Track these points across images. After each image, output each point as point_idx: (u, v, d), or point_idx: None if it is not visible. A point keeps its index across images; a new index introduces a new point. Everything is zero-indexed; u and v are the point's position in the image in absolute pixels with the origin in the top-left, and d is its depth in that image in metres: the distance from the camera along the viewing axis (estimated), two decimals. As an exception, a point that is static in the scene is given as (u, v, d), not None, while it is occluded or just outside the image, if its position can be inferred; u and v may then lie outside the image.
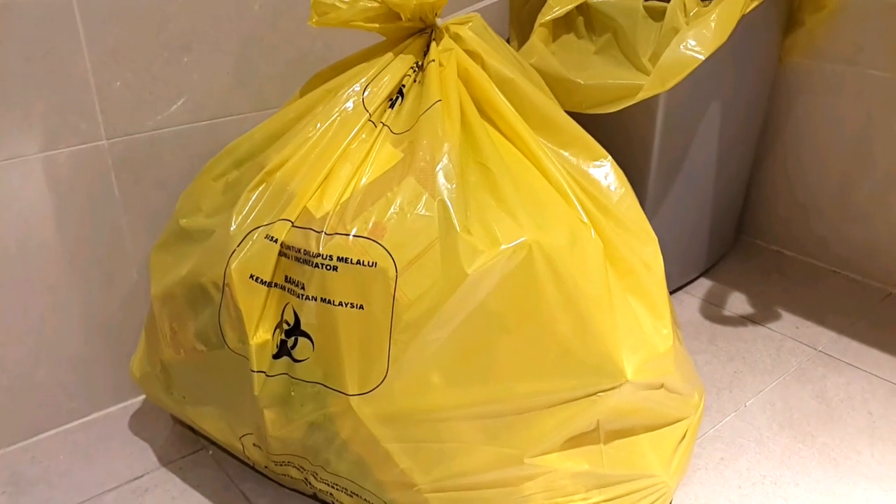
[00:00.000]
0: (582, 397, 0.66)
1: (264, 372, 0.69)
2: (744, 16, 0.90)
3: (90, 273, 0.87)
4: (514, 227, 0.66)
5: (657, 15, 0.91)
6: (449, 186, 0.66)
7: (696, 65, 0.87)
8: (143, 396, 0.96)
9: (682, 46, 0.87)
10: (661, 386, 0.72)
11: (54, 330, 0.87)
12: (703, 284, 1.19)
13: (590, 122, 0.82)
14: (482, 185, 0.68)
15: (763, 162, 1.25)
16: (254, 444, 0.75)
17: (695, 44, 0.87)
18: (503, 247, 0.64)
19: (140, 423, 0.92)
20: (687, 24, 0.89)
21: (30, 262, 0.83)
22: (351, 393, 0.65)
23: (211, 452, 0.87)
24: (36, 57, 0.76)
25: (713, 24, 0.88)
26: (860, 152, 1.13)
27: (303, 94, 0.79)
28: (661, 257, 0.75)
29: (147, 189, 0.88)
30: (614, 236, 0.72)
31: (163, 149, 0.87)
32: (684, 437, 0.77)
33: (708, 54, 0.87)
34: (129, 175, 0.86)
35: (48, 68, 0.77)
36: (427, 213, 0.65)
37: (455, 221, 0.65)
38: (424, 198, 0.66)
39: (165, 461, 0.86)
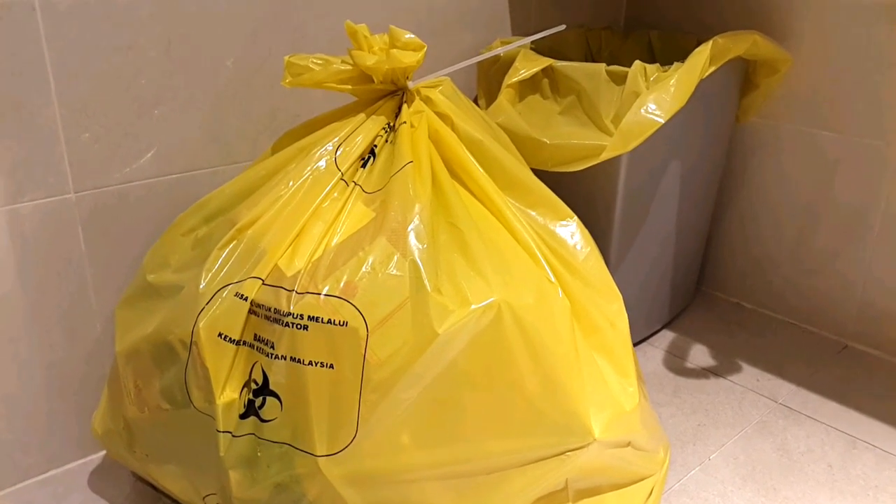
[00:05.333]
0: (550, 456, 0.67)
1: (230, 432, 0.68)
2: (702, 79, 0.94)
3: (52, 327, 0.86)
4: (484, 287, 0.67)
5: (619, 79, 0.94)
6: (420, 246, 0.67)
7: (656, 127, 0.90)
8: (103, 453, 0.93)
9: (642, 110, 0.90)
10: (629, 444, 0.73)
11: (12, 384, 0.85)
12: (666, 336, 1.22)
13: (554, 181, 0.84)
14: (452, 245, 0.70)
15: (722, 217, 1.29)
16: (218, 505, 0.73)
17: (655, 107, 0.91)
18: (473, 306, 0.65)
19: (100, 481, 0.90)
20: (647, 88, 0.92)
21: (-10, 316, 0.82)
22: (319, 454, 0.65)
23: (172, 512, 0.85)
24: (5, 109, 0.76)
25: (672, 89, 0.91)
26: (812, 209, 1.17)
27: (274, 151, 0.80)
28: (625, 315, 0.77)
29: (114, 243, 0.87)
30: (581, 295, 0.73)
31: (131, 202, 0.87)
32: (651, 493, 0.78)
33: (667, 117, 0.91)
34: (95, 228, 0.85)
35: (17, 121, 0.77)
36: (398, 273, 0.66)
37: (426, 281, 0.65)
38: (396, 257, 0.67)
39: (125, 521, 0.84)
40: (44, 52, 0.77)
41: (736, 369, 1.12)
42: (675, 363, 1.14)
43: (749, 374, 1.11)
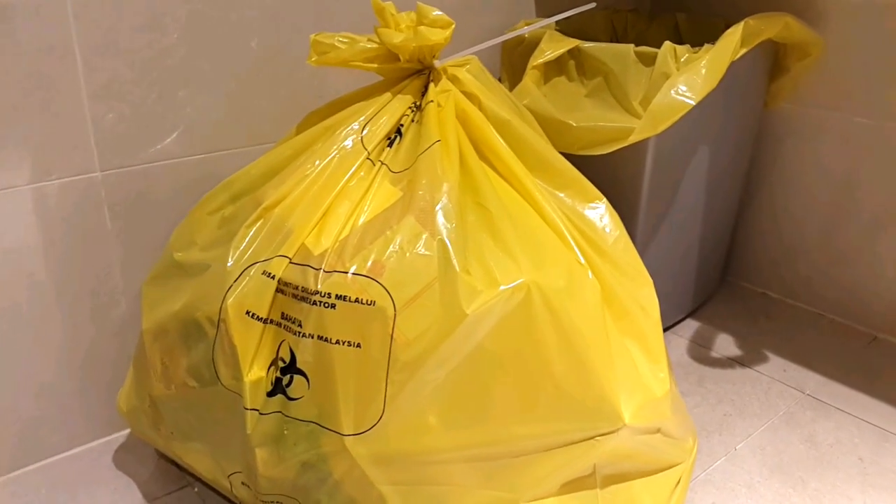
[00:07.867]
0: (579, 441, 0.66)
1: (257, 410, 0.68)
2: (732, 62, 0.92)
3: (78, 305, 0.86)
4: (513, 268, 0.66)
5: (648, 60, 0.92)
6: (448, 226, 0.66)
7: (686, 109, 0.89)
8: (127, 431, 0.94)
9: (672, 91, 0.89)
10: (658, 430, 0.72)
11: (39, 362, 0.86)
12: (691, 325, 1.20)
13: (579, 164, 0.83)
14: (481, 225, 0.69)
15: (749, 205, 1.27)
16: (242, 483, 0.73)
17: (685, 89, 0.89)
18: (502, 287, 0.64)
19: (124, 459, 0.90)
20: (677, 69, 0.90)
21: (17, 292, 0.82)
22: (346, 433, 0.64)
23: (196, 490, 0.85)
24: (33, 89, 0.76)
25: (703, 70, 0.90)
26: (844, 197, 1.15)
27: (300, 131, 0.80)
28: (656, 300, 0.76)
29: (139, 221, 0.87)
30: (611, 278, 0.72)
31: (156, 181, 0.87)
32: (678, 482, 0.77)
33: (698, 99, 0.89)
34: (121, 207, 0.85)
35: (45, 100, 0.77)
36: (426, 253, 0.65)
37: (454, 261, 0.65)
38: (424, 237, 0.66)
39: (149, 498, 0.84)
40: (71, 31, 0.77)
41: (762, 359, 1.11)
42: (700, 352, 1.13)
43: (776, 365, 1.09)
